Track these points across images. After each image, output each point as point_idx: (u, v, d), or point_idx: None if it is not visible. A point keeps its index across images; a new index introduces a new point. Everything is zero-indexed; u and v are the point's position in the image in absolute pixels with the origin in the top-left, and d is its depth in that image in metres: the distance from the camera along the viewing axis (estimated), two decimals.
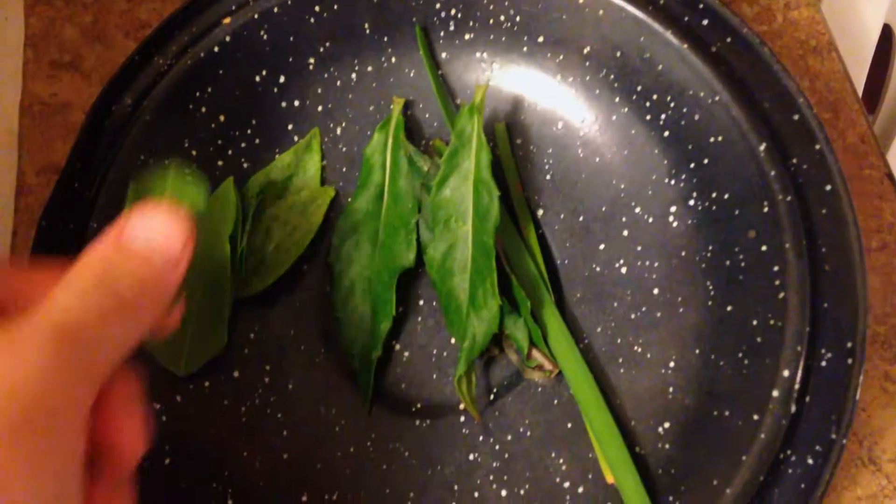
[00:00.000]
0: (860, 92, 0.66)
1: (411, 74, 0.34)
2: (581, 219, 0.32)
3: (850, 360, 0.26)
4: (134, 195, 0.29)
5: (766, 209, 0.28)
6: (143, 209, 0.20)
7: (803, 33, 0.47)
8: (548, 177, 0.33)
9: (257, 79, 0.33)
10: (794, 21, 0.48)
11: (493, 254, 0.29)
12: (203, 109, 0.33)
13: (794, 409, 0.26)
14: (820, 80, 0.46)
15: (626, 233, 0.31)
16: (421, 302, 0.33)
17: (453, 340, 0.32)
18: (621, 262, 0.31)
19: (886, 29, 0.66)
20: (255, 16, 0.32)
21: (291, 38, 0.33)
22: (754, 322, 0.28)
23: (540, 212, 0.33)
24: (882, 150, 0.44)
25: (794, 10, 0.48)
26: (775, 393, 0.26)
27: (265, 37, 0.33)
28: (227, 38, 0.32)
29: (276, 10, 0.32)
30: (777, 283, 0.27)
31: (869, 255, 0.40)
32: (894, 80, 0.68)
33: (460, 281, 0.29)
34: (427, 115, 0.34)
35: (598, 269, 0.32)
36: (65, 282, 0.19)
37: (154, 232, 0.20)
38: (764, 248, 0.28)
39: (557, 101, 0.33)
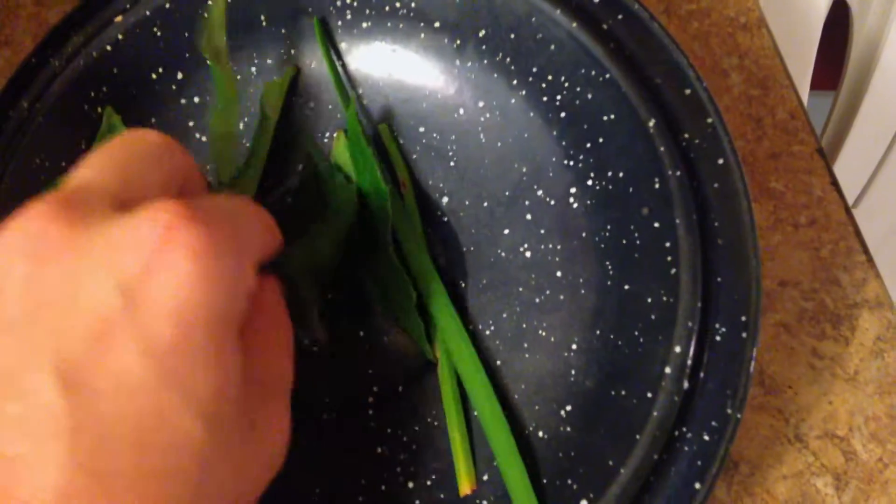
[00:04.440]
0: (810, 68, 0.66)
1: (312, 65, 0.34)
2: (486, 204, 0.32)
3: (744, 334, 0.26)
4: None
5: (657, 185, 0.28)
6: None
7: (732, 10, 0.47)
8: (451, 164, 0.33)
9: (154, 76, 0.33)
10: None
11: None
12: (99, 110, 0.32)
13: (687, 385, 0.26)
14: (749, 57, 0.45)
15: (529, 216, 0.31)
16: (329, 295, 0.32)
17: (362, 333, 0.32)
18: (525, 246, 0.31)
19: (841, 5, 0.66)
20: (147, 13, 0.32)
21: (186, 34, 0.33)
22: (649, 300, 0.27)
23: (445, 199, 0.33)
24: (812, 126, 0.43)
25: None
26: (668, 370, 0.26)
27: (158, 33, 0.32)
28: (120, 37, 0.32)
29: (167, 6, 0.32)
30: (669, 259, 0.27)
31: (798, 230, 0.40)
32: (854, 55, 0.68)
33: None
34: (330, 107, 0.34)
35: (503, 254, 0.31)
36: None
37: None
38: (656, 224, 0.28)
39: (457, 87, 0.33)
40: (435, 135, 0.33)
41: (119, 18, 0.32)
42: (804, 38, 0.63)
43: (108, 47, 0.32)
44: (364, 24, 0.33)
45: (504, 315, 0.31)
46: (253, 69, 0.33)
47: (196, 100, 0.33)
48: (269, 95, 0.32)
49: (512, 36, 0.31)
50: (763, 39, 0.46)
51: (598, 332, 0.29)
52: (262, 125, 0.32)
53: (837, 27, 0.66)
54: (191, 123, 0.33)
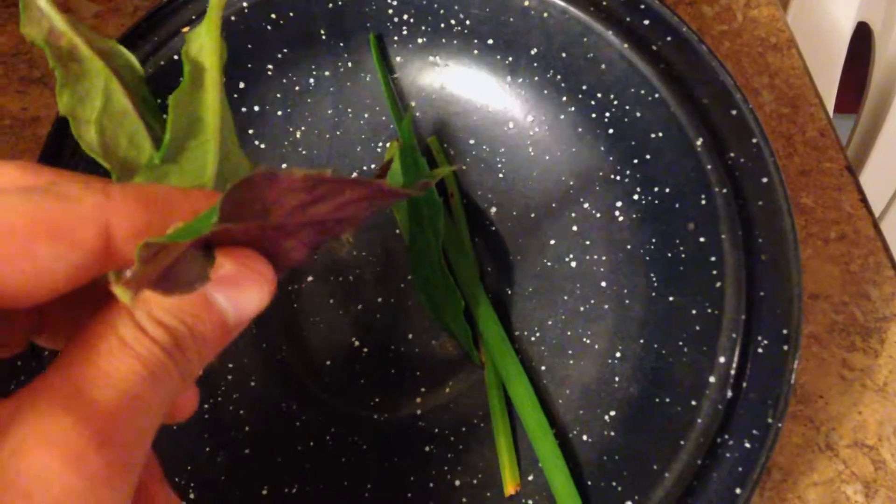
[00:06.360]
0: (835, 88, 0.67)
1: (367, 78, 0.35)
2: (533, 215, 0.33)
3: (785, 347, 0.27)
4: None
5: (703, 202, 0.29)
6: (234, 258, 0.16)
7: (763, 31, 0.48)
8: (500, 175, 0.34)
9: None
10: (754, 19, 0.49)
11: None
12: (164, 116, 0.33)
13: (730, 394, 0.27)
14: (779, 77, 0.47)
15: (575, 228, 0.32)
16: (379, 299, 0.34)
17: (410, 336, 0.33)
18: (571, 256, 0.32)
19: (863, 27, 0.67)
20: None
21: (249, 46, 0.34)
22: (693, 311, 0.29)
23: (493, 210, 0.34)
24: (842, 143, 0.45)
25: (755, 8, 0.49)
26: (712, 379, 0.27)
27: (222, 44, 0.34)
28: None
29: (232, 18, 0.33)
30: (714, 272, 0.28)
31: (828, 245, 0.41)
32: (876, 77, 0.69)
33: None
34: (383, 118, 0.35)
35: (549, 263, 0.33)
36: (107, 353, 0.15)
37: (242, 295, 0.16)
38: (702, 239, 0.29)
39: (508, 102, 0.34)
40: (485, 147, 0.34)
41: (185, 29, 0.33)
42: (829, 58, 0.64)
43: (175, 57, 0.33)
44: (419, 40, 0.34)
45: (549, 322, 0.32)
46: (311, 80, 0.35)
47: (256, 109, 0.35)
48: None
49: (563, 55, 0.32)
50: (793, 59, 0.47)
51: (642, 340, 0.30)
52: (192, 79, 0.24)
53: (859, 51, 0.67)
54: (250, 131, 0.35)
